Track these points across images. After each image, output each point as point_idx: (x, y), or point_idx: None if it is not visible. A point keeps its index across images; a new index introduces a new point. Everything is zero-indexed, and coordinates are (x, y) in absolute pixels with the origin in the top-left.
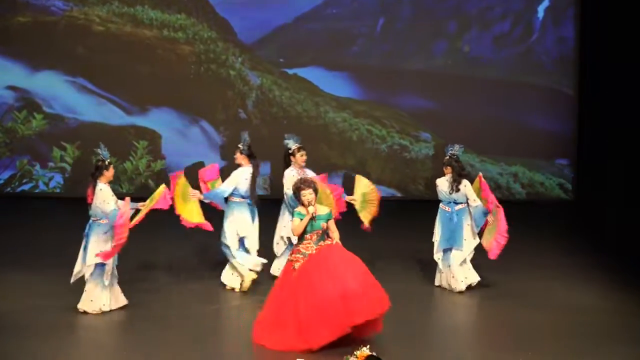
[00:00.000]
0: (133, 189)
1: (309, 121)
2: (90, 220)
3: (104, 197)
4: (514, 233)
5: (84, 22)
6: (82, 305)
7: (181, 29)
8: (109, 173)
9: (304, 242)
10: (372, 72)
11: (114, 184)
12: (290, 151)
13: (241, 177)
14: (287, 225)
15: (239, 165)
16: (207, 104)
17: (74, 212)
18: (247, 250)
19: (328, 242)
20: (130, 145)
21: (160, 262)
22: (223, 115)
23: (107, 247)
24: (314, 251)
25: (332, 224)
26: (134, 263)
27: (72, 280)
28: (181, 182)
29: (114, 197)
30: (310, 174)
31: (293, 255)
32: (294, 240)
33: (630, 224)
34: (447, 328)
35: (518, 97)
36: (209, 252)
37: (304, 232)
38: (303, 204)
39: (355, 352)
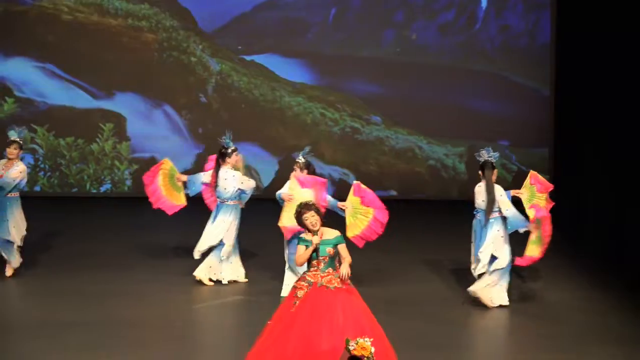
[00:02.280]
0: (100, 170)
1: (265, 105)
2: (219, 202)
3: (242, 179)
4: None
5: (53, 12)
6: (221, 276)
7: (145, 18)
8: (231, 159)
9: (311, 269)
10: (325, 59)
11: (82, 164)
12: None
13: (25, 172)
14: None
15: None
16: (170, 89)
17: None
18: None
19: (337, 276)
20: (97, 128)
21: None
22: (185, 100)
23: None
24: (320, 279)
25: (342, 248)
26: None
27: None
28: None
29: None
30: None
31: (299, 282)
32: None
33: (606, 221)
34: (427, 329)
35: (463, 82)
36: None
37: (311, 258)
38: (308, 229)
39: (357, 339)
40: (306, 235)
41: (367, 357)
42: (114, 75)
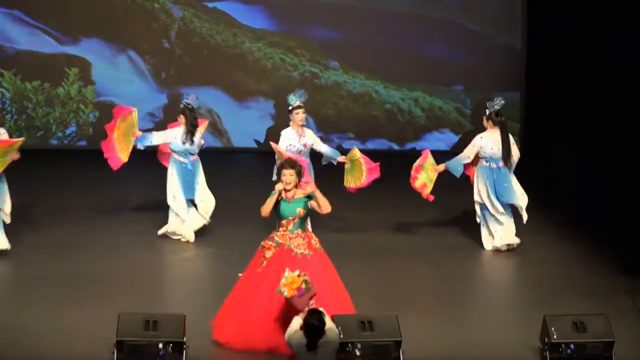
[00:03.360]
0: (65, 113)
1: (227, 50)
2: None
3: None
4: (459, 181)
5: None
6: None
7: None
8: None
9: (280, 229)
10: (285, 6)
11: (48, 107)
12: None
13: None
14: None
15: None
16: (134, 35)
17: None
18: None
19: (304, 244)
20: (63, 72)
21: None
22: (148, 45)
23: None
24: (288, 241)
25: (318, 196)
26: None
27: None
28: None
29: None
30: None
31: (266, 241)
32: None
33: (577, 176)
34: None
35: (420, 29)
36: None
37: (281, 217)
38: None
39: (281, 281)
40: (279, 190)
41: (305, 283)
42: (80, 22)
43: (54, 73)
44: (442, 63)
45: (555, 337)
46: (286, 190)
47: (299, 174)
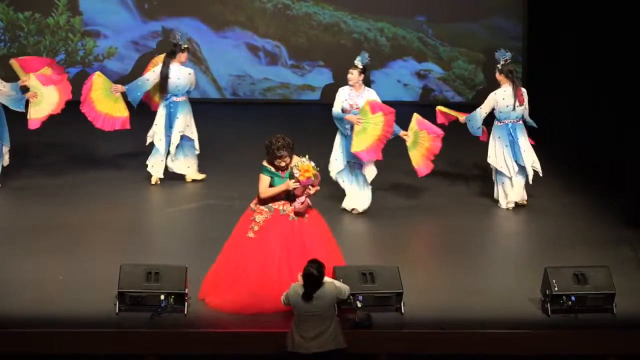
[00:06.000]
0: (55, 41)
1: None
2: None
3: None
4: (453, 127)
5: None
6: None
7: None
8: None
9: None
10: None
11: (39, 36)
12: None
13: None
14: None
15: None
16: None
17: None
18: None
19: (299, 205)
20: (52, 3)
21: None
22: None
23: None
24: (282, 206)
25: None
26: None
27: None
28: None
29: None
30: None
31: (257, 205)
32: None
33: (580, 125)
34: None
35: None
36: None
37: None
38: (275, 165)
39: (297, 165)
40: (270, 166)
41: (315, 176)
42: None
43: (44, 4)
44: None
45: (556, 288)
46: (282, 170)
47: (292, 153)
